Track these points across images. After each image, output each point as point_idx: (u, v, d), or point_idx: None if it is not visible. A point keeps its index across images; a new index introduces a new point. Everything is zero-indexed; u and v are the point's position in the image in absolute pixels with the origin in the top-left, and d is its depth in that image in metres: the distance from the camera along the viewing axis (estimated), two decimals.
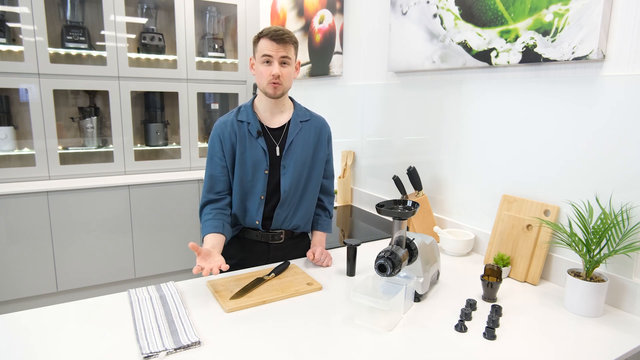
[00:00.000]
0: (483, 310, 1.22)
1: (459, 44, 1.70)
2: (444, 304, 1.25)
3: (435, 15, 1.79)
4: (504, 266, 1.45)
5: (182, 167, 3.27)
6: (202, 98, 3.58)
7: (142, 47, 3.15)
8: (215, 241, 1.40)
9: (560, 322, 1.17)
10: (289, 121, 1.56)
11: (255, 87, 3.33)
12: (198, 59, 3.28)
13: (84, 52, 2.94)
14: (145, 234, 2.93)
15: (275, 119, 1.56)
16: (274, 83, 1.45)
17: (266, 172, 1.51)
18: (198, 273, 1.24)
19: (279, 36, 1.43)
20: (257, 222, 1.54)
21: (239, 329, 1.09)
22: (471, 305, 1.22)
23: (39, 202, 2.58)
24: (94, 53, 2.99)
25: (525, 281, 1.43)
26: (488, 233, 1.65)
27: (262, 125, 1.54)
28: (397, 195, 2.02)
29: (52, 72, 2.73)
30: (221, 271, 1.25)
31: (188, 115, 3.22)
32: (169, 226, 3.00)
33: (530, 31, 1.43)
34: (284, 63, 1.46)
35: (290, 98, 1.62)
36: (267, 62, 1.45)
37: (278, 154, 1.53)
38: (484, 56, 1.60)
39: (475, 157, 1.71)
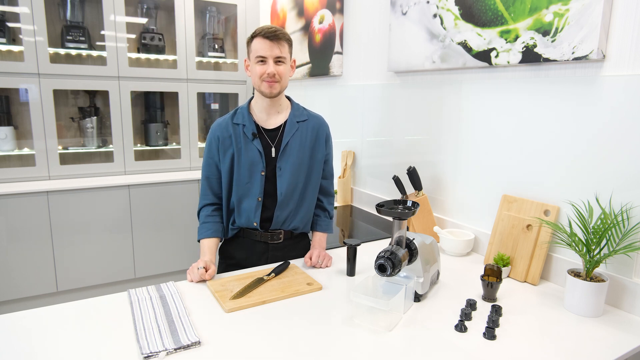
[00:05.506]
0: (483, 310, 1.22)
1: (459, 44, 1.70)
2: (444, 304, 1.25)
3: (435, 15, 1.79)
4: (504, 266, 1.45)
5: (182, 167, 3.27)
6: (202, 98, 3.58)
7: (142, 47, 3.15)
8: (211, 245, 1.52)
9: (560, 322, 1.17)
10: (285, 122, 1.56)
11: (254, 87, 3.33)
12: (198, 59, 3.28)
13: (84, 52, 2.94)
14: (145, 234, 2.92)
15: (272, 120, 1.55)
16: (270, 81, 1.46)
17: (263, 173, 1.51)
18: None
19: (272, 34, 1.42)
20: (255, 224, 1.54)
21: (239, 329, 1.09)
22: (471, 305, 1.22)
23: (39, 202, 2.58)
24: (94, 53, 2.99)
25: (525, 281, 1.43)
26: (488, 233, 1.65)
27: (257, 126, 1.54)
28: (397, 195, 2.02)
29: (52, 72, 2.73)
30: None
31: (188, 115, 3.22)
32: (169, 226, 3.00)
33: (530, 31, 1.43)
34: (279, 62, 1.46)
35: (288, 98, 1.62)
36: (262, 61, 1.45)
37: (274, 155, 1.53)
38: (484, 56, 1.60)
39: (475, 157, 1.70)
